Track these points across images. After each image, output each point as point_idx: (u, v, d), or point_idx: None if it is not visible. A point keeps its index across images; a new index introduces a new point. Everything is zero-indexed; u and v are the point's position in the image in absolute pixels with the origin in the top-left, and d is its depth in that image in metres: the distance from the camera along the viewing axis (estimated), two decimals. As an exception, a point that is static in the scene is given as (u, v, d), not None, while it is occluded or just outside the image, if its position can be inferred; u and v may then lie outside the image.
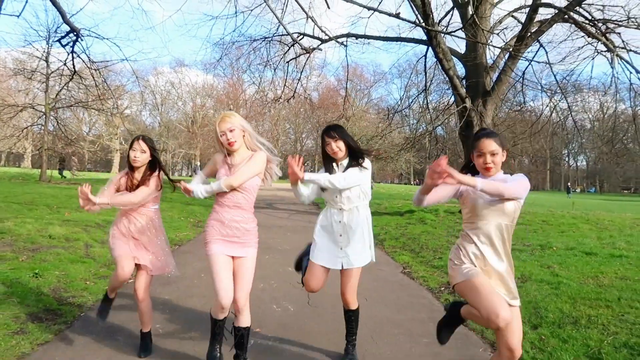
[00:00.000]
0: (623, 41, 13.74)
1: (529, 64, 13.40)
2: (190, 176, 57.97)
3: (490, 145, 2.61)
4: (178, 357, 3.50)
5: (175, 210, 13.60)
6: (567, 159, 76.74)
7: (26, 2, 10.39)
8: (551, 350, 3.57)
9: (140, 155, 3.42)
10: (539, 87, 14.13)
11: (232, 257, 3.09)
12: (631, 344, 3.53)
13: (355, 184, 3.31)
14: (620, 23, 13.05)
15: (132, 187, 3.46)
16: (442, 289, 5.73)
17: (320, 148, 3.52)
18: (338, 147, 3.34)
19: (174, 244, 8.67)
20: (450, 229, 10.43)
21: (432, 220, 11.79)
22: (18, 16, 10.14)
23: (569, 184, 49.21)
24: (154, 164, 3.52)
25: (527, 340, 3.80)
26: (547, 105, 17.23)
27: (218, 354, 3.21)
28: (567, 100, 15.71)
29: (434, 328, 3.99)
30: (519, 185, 2.52)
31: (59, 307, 4.52)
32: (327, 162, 3.46)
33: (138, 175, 3.49)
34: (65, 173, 27.31)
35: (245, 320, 3.12)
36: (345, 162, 3.40)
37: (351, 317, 3.49)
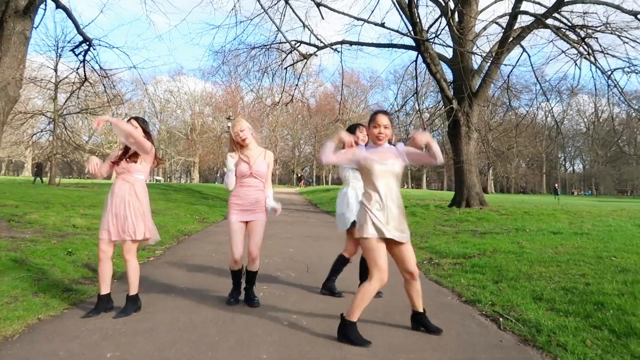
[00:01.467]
0: (601, 46, 14.59)
1: (512, 68, 14.30)
2: (212, 182, 58.64)
3: (384, 119, 3.32)
4: (199, 309, 4.30)
5: (181, 209, 14.37)
6: (563, 163, 77.56)
7: (43, 15, 11.28)
8: (504, 295, 4.40)
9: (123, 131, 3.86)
10: (519, 92, 14.98)
11: (247, 222, 4.17)
12: (568, 288, 4.38)
13: None
14: (597, 29, 13.93)
15: (124, 158, 3.96)
16: (425, 262, 6.54)
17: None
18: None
19: (184, 234, 9.49)
20: (438, 219, 11.26)
21: (422, 213, 12.62)
22: (35, 28, 10.98)
23: (556, 184, 49.98)
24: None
25: (488, 291, 4.63)
26: (536, 107, 18.09)
27: (233, 299, 4.30)
28: (549, 102, 16.58)
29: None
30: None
31: (94, 275, 5.33)
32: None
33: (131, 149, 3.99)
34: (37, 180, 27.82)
35: (255, 267, 4.26)
36: None
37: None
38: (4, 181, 26.20)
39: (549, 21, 13.33)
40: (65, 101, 19.24)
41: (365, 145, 3.76)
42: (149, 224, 3.97)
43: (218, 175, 58.39)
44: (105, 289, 3.92)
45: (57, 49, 17.98)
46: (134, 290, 3.94)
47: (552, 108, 16.29)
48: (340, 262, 4.66)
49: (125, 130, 3.79)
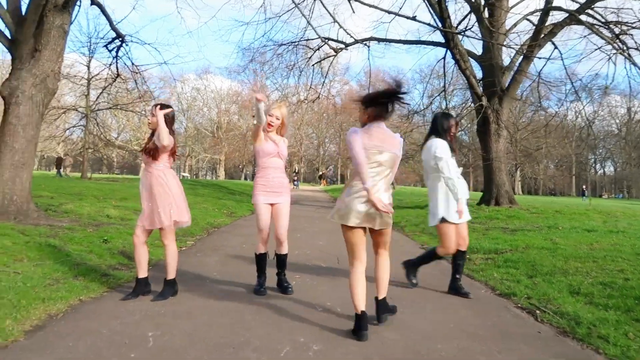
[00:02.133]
0: (636, 42, 14.15)
1: (545, 64, 14.02)
2: (237, 178, 59.33)
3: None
4: (232, 295, 4.36)
5: (209, 204, 14.55)
6: (593, 164, 75.57)
7: (78, 12, 11.57)
8: (540, 289, 4.32)
9: (152, 119, 3.93)
10: (552, 85, 14.67)
11: (272, 205, 4.24)
12: (606, 282, 4.28)
13: None
14: (632, 25, 13.52)
15: (147, 146, 3.97)
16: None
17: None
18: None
19: (214, 227, 9.62)
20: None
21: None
22: (71, 23, 11.28)
23: (584, 187, 48.68)
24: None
25: (522, 284, 4.56)
26: (567, 108, 17.67)
27: (262, 289, 4.27)
28: (581, 101, 16.18)
29: (444, 278, 4.81)
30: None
31: (129, 262, 5.46)
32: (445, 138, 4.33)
33: (155, 137, 3.95)
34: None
35: (284, 249, 4.35)
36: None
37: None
38: (36, 175, 27.01)
39: (582, 17, 13.01)
40: (97, 97, 19.75)
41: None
42: (180, 207, 4.00)
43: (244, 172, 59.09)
44: (142, 273, 4.01)
45: (90, 45, 18.45)
46: (171, 274, 4.02)
47: (584, 107, 15.84)
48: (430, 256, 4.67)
49: (161, 126, 3.85)
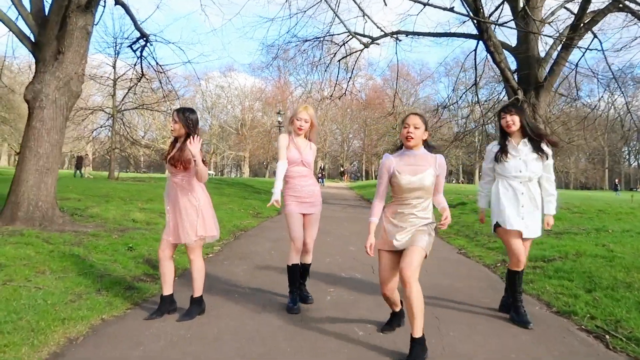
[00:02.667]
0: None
1: (583, 54, 13.26)
2: (261, 176, 59.59)
3: (414, 119, 3.11)
4: (264, 314, 4.05)
5: (235, 204, 14.36)
6: (627, 157, 72.96)
7: (102, 12, 11.43)
8: (604, 307, 3.87)
9: (174, 126, 3.57)
10: (594, 76, 13.91)
11: (304, 215, 4.05)
12: (683, 301, 3.79)
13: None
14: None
15: (169, 155, 3.64)
16: (498, 265, 6.05)
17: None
18: (512, 121, 3.73)
19: (240, 229, 9.37)
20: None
21: (485, 210, 11.96)
22: (95, 24, 11.17)
23: (616, 180, 46.87)
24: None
25: (581, 300, 4.12)
26: (600, 99, 16.81)
27: (295, 306, 3.94)
28: (623, 94, 15.36)
29: (492, 293, 4.41)
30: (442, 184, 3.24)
31: (154, 272, 5.21)
32: (502, 137, 3.87)
33: (178, 145, 3.64)
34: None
35: (309, 259, 4.21)
36: (521, 143, 3.76)
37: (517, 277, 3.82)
38: (63, 175, 27.39)
39: (627, 3, 12.23)
40: (123, 97, 19.76)
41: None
42: (208, 221, 3.68)
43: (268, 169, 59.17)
44: (167, 290, 3.73)
45: (116, 46, 18.47)
46: (198, 292, 3.72)
47: (627, 99, 14.93)
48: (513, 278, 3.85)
49: (201, 167, 3.50)
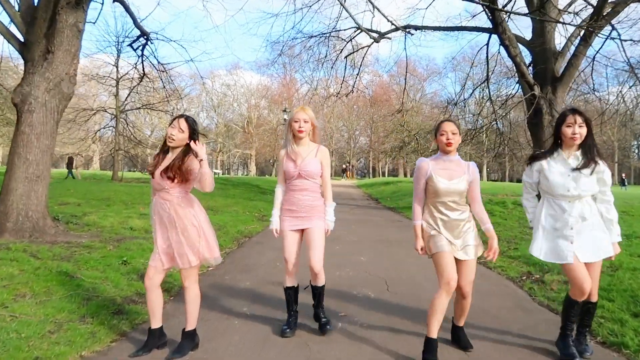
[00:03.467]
0: None
1: (603, 43, 12.65)
2: (268, 174, 59.29)
3: (451, 126, 3.17)
4: (268, 346, 3.58)
5: (240, 206, 13.95)
6: (637, 151, 71.86)
7: (101, 9, 10.99)
8: (659, 337, 3.36)
9: (177, 134, 3.10)
10: (614, 68, 13.29)
11: (302, 230, 3.60)
12: None
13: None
14: None
15: (156, 168, 3.15)
16: (524, 278, 5.55)
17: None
18: (580, 134, 3.12)
19: (244, 235, 8.92)
20: (522, 220, 10.07)
21: (501, 212, 11.42)
22: (94, 23, 10.75)
23: (623, 175, 46.00)
24: (191, 148, 3.09)
25: (630, 328, 3.60)
26: (609, 93, 16.23)
27: (289, 330, 3.58)
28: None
29: (523, 315, 3.92)
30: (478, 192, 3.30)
31: (149, 291, 4.75)
32: (554, 145, 3.28)
33: (171, 156, 3.16)
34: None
35: (320, 281, 3.62)
36: (572, 157, 3.21)
37: (590, 309, 3.32)
38: (59, 174, 27.10)
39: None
40: (126, 97, 19.40)
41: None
42: (210, 241, 3.21)
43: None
44: (156, 323, 3.25)
45: (118, 45, 18.07)
46: (191, 325, 3.24)
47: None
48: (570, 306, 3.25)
49: (206, 172, 3.01)
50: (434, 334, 3.06)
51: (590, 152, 3.15)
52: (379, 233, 9.35)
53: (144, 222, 8.49)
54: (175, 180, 3.08)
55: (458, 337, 3.44)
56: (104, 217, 8.64)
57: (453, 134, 3.13)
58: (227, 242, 7.96)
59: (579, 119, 3.11)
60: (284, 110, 39.06)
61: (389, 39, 12.65)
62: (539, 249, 3.21)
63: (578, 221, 3.10)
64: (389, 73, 52.07)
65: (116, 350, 3.28)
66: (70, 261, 5.49)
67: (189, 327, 3.24)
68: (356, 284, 5.20)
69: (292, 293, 3.66)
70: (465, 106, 21.25)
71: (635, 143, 68.31)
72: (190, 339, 3.24)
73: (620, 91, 17.92)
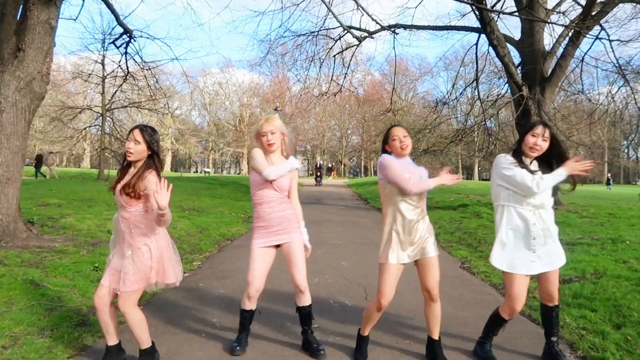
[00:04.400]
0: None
1: (592, 43, 12.58)
2: (239, 174, 59.00)
3: (402, 130, 3.18)
4: (227, 348, 3.41)
5: (226, 207, 13.76)
6: (626, 151, 72.42)
7: (82, 6, 10.75)
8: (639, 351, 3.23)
9: (134, 147, 2.88)
10: (602, 69, 13.24)
11: (276, 247, 3.36)
12: None
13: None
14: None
15: (120, 183, 2.92)
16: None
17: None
18: (541, 147, 3.04)
19: (227, 238, 8.75)
20: (509, 223, 9.95)
21: (488, 213, 11.30)
22: (75, 19, 10.49)
23: (608, 175, 46.32)
24: (153, 161, 2.95)
25: (611, 341, 3.47)
26: (599, 93, 16.21)
27: (238, 347, 3.36)
28: (630, 85, 14.70)
29: (506, 327, 3.77)
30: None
31: (115, 300, 4.56)
32: (515, 155, 3.14)
33: (133, 170, 2.95)
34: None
35: (306, 300, 3.41)
36: (533, 164, 3.14)
37: (557, 314, 3.28)
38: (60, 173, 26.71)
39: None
40: (112, 96, 19.10)
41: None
42: (167, 265, 2.97)
43: None
44: (112, 340, 3.05)
45: (104, 42, 17.76)
46: (144, 344, 3.01)
47: (634, 93, 14.23)
48: (497, 322, 3.36)
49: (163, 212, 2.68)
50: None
51: (543, 166, 3.10)
52: (364, 236, 9.18)
53: (123, 225, 8.29)
54: (133, 197, 2.86)
55: (434, 354, 3.26)
56: (82, 220, 8.41)
57: (404, 137, 3.12)
58: (208, 246, 7.78)
59: (546, 133, 3.04)
60: (276, 109, 38.84)
61: (373, 38, 12.49)
62: (500, 260, 3.10)
63: (540, 231, 2.99)
64: (381, 72, 51.98)
65: (72, 368, 3.10)
66: (39, 267, 5.30)
67: (143, 346, 3.03)
68: (334, 292, 5.04)
69: (248, 316, 3.40)
70: (455, 106, 21.20)
71: (626, 143, 68.78)
72: (149, 356, 3.05)
73: (610, 91, 17.90)
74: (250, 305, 3.36)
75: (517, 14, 10.91)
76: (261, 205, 3.30)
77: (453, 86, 16.40)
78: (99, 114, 20.81)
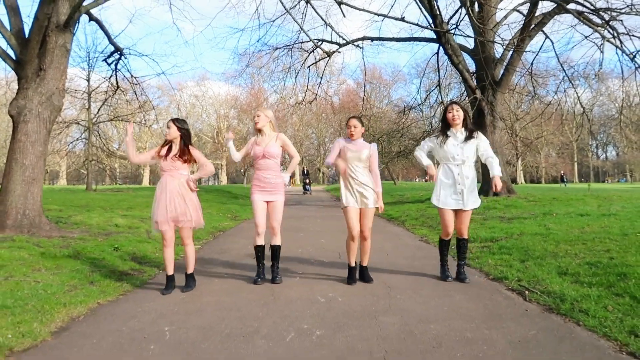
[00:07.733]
0: (626, 28, 14.28)
1: (535, 57, 14.23)
2: (239, 183, 59.64)
3: (355, 121, 4.63)
4: (241, 292, 4.62)
5: (214, 209, 14.81)
6: (595, 150, 75.44)
7: (76, 29, 11.83)
8: (531, 272, 4.58)
9: (169, 131, 4.45)
10: (540, 77, 14.87)
11: (268, 202, 4.78)
12: (592, 262, 4.54)
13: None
14: (621, 11, 13.69)
15: (167, 154, 4.46)
16: (452, 247, 6.72)
17: None
18: (458, 116, 4.56)
19: (219, 230, 9.90)
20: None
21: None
22: (72, 42, 11.53)
23: (562, 172, 48.85)
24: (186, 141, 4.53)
25: (514, 269, 4.82)
26: (553, 96, 17.81)
27: (259, 279, 4.79)
28: (575, 89, 16.35)
29: (409, 250, 5.07)
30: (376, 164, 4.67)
31: (140, 267, 5.73)
32: (444, 127, 4.66)
33: (175, 148, 4.49)
34: None
35: (277, 240, 4.87)
36: (460, 132, 4.58)
37: (464, 244, 4.78)
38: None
39: (571, 6, 13.21)
40: (99, 109, 20.03)
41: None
42: (199, 213, 4.56)
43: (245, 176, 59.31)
44: (170, 270, 4.52)
45: (90, 60, 18.76)
46: (191, 269, 4.59)
47: (579, 95, 15.90)
48: (442, 244, 4.92)
49: (207, 173, 4.58)
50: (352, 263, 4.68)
51: (467, 126, 4.60)
52: (340, 225, 10.45)
53: (127, 221, 9.38)
54: (185, 161, 4.44)
55: (362, 274, 4.76)
56: (90, 218, 9.48)
57: (354, 127, 4.60)
58: (204, 235, 8.92)
59: (455, 107, 4.62)
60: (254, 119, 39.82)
61: (340, 52, 13.82)
62: (437, 199, 4.57)
63: (464, 179, 4.36)
64: (356, 80, 53.55)
65: (124, 299, 4.27)
66: (69, 248, 6.38)
67: (190, 271, 4.59)
68: (314, 256, 6.30)
69: (260, 250, 4.84)
70: (422, 110, 22.77)
71: (594, 143, 71.80)
72: (192, 278, 4.59)
73: (575, 92, 19.68)
74: (259, 241, 4.81)
75: (463, 30, 12.44)
76: (260, 171, 4.77)
77: (418, 91, 17.86)
78: (85, 128, 21.70)
